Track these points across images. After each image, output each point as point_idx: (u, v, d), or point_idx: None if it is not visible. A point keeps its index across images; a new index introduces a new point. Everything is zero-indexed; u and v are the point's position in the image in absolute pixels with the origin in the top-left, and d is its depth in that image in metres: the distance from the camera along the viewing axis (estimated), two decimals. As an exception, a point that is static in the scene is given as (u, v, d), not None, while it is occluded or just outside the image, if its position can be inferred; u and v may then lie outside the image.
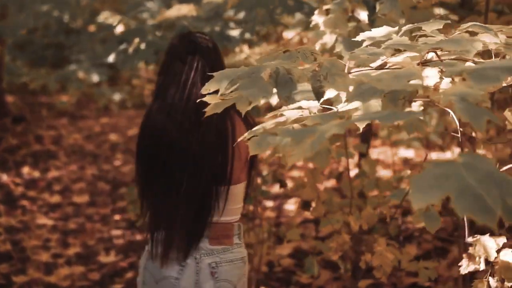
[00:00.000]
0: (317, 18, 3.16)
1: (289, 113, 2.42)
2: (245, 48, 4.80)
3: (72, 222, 6.35)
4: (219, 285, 2.61)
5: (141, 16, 5.15)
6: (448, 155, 7.37)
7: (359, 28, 3.29)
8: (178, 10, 4.72)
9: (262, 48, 4.83)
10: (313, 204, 3.26)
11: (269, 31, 4.75)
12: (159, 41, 4.40)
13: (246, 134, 2.38)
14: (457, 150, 7.62)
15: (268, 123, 2.36)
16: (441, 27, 1.92)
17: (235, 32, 4.35)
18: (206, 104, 2.11)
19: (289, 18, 4.59)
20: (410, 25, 2.05)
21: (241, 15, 4.24)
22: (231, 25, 4.43)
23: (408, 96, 1.32)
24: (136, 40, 4.35)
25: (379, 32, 2.22)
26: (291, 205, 6.47)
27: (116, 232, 6.06)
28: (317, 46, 3.28)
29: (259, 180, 4.36)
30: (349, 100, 1.37)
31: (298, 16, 6.16)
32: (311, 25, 3.26)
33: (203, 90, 1.89)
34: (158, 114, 2.59)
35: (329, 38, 3.29)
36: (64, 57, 10.41)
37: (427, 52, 1.81)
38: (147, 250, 2.68)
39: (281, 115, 2.46)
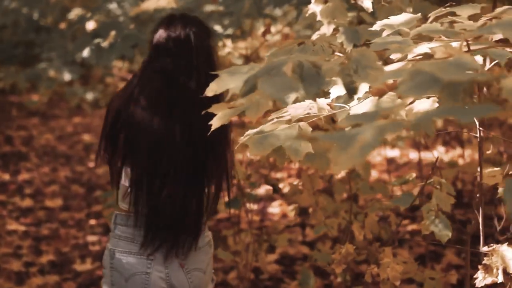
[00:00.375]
0: (314, 7, 2.91)
1: (294, 111, 2.15)
2: (228, 42, 4.52)
3: (44, 227, 6.04)
4: (190, 275, 2.59)
5: (114, 12, 4.89)
6: (435, 154, 7.16)
7: (360, 18, 3.04)
8: (156, 2, 4.43)
9: (247, 42, 4.54)
10: (311, 211, 3.00)
11: (254, 25, 4.48)
12: (136, 34, 4.11)
13: (246, 136, 2.13)
14: (442, 149, 7.45)
15: (270, 122, 2.10)
16: (478, 11, 1.66)
17: (218, 26, 4.08)
18: (204, 102, 2.01)
19: (274, 10, 4.32)
20: (439, 10, 1.80)
21: (226, 7, 3.97)
22: (215, 17, 4.15)
23: (469, 88, 1.07)
24: (113, 33, 4.06)
25: (398, 19, 1.97)
26: (274, 208, 6.21)
27: (91, 238, 5.76)
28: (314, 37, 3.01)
29: (242, 183, 4.12)
30: (402, 93, 1.11)
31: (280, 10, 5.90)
32: (307, 14, 3.00)
33: (208, 92, 1.67)
34: (157, 115, 2.48)
35: (326, 29, 3.04)
36: (34, 55, 10.20)
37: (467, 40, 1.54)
38: (110, 248, 2.59)
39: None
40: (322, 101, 2.20)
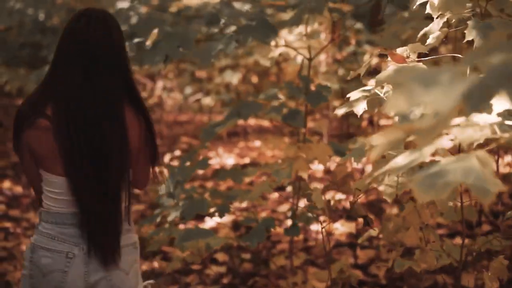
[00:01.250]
0: (427, -4, 2.36)
1: (461, 133, 1.59)
2: (282, 41, 3.94)
3: (64, 247, 5.45)
4: (110, 273, 2.55)
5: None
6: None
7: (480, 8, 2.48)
8: (200, -4, 3.88)
9: (302, 42, 3.96)
10: (418, 251, 2.43)
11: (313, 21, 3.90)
12: (183, 32, 3.55)
13: (374, 173, 1.58)
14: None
15: (426, 150, 1.53)
16: None
17: (278, 19, 3.52)
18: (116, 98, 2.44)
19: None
20: None
21: None
22: (271, 11, 3.59)
23: None
24: (155, 31, 3.50)
25: None
26: (318, 226, 5.63)
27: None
28: (431, 39, 2.44)
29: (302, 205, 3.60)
30: None
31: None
32: (414, 6, 2.46)
33: (390, 108, 1.10)
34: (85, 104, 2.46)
35: (436, 25, 2.48)
36: (41, 57, 9.91)
37: None
38: (32, 242, 2.60)
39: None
40: (490, 118, 1.65)
